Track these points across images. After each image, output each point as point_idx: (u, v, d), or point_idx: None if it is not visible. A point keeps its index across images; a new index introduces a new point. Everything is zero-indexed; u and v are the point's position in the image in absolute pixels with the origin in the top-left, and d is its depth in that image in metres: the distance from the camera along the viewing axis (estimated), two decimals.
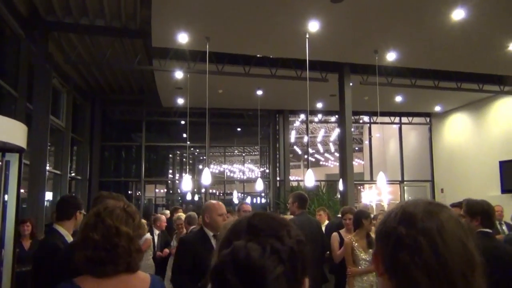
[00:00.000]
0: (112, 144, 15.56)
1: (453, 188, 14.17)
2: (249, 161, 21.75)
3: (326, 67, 10.25)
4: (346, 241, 5.10)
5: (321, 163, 27.13)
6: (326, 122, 18.70)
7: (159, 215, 8.02)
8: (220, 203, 3.77)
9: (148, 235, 6.98)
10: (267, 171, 16.29)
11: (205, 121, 10.65)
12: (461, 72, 10.83)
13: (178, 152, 18.11)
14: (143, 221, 6.56)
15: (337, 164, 19.54)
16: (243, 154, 21.14)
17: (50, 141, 10.15)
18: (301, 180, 16.09)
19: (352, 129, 13.53)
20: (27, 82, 9.26)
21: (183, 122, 14.44)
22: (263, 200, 16.73)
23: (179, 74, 10.38)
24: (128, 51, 10.34)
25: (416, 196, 15.99)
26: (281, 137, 15.43)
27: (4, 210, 3.78)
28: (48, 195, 10.88)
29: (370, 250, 4.86)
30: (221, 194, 19.41)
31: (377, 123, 15.95)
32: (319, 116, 16.37)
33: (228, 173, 20.92)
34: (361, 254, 4.89)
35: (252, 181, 17.95)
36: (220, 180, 19.34)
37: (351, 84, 10.61)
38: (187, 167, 16.07)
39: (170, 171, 18.38)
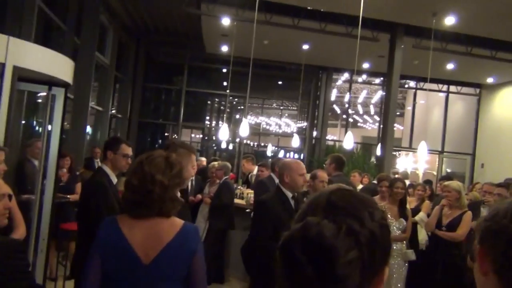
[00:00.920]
0: (154, 85, 15.67)
1: (495, 165, 13.64)
2: (286, 115, 21.52)
3: (378, 26, 9.80)
4: None
5: (358, 124, 26.65)
6: (369, 83, 18.15)
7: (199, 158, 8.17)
8: (299, 161, 3.58)
9: None
10: (304, 127, 16.16)
11: (247, 71, 10.49)
12: None
13: (216, 99, 18.09)
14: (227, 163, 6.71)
15: (375, 127, 19.12)
16: (281, 108, 20.93)
17: (94, 77, 10.31)
18: (338, 140, 15.91)
19: None
20: (76, 16, 9.31)
21: (224, 70, 14.33)
22: (296, 156, 16.68)
23: (226, 21, 10.18)
24: None
25: (454, 168, 15.60)
26: (322, 94, 15.15)
27: (48, 143, 3.87)
28: (89, 131, 11.19)
29: (401, 218, 4.81)
30: (256, 146, 19.46)
31: (424, 89, 15.39)
32: (364, 76, 15.89)
33: (264, 125, 20.83)
34: (393, 223, 4.85)
35: (287, 135, 17.86)
36: (255, 132, 19.35)
37: (402, 46, 10.17)
38: (225, 115, 16.09)
39: (208, 117, 18.48)
